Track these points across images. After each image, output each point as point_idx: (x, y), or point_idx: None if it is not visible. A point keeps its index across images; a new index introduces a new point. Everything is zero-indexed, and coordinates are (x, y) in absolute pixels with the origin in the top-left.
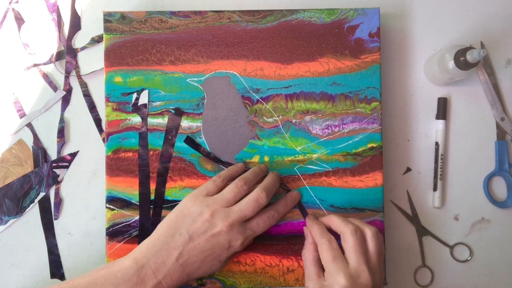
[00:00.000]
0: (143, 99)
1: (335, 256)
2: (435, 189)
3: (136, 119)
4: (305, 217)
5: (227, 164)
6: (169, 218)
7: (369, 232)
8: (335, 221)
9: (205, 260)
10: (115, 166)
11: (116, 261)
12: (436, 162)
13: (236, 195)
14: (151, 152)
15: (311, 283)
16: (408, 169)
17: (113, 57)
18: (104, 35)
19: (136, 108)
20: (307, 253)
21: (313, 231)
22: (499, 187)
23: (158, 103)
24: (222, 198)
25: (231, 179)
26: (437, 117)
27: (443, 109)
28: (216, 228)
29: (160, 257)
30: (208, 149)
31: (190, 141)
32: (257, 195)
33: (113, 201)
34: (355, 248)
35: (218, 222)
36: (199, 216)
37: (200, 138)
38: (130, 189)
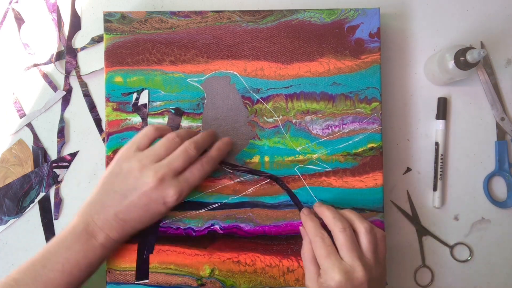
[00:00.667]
0: (143, 99)
1: (329, 253)
2: (435, 189)
3: (136, 119)
4: (300, 211)
5: (230, 166)
6: (104, 176)
7: (362, 228)
8: (326, 217)
9: (144, 215)
10: None
11: (65, 228)
12: (436, 162)
13: (168, 149)
14: None
15: (310, 282)
16: (408, 169)
17: (113, 57)
18: (104, 35)
19: (136, 108)
20: (306, 253)
21: (307, 228)
22: (499, 187)
23: (158, 103)
24: (153, 154)
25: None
26: (437, 117)
27: (443, 109)
28: (146, 185)
29: (102, 214)
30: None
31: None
32: (185, 146)
33: None
34: (346, 246)
35: (147, 179)
36: (128, 173)
37: None
38: None
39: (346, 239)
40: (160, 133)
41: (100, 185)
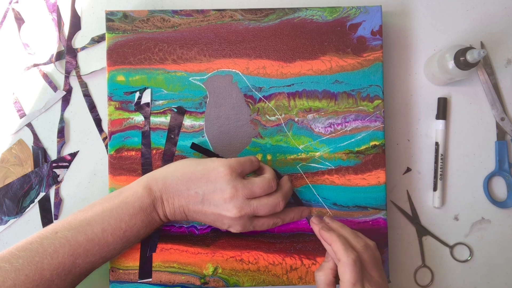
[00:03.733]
0: (146, 98)
1: (356, 280)
2: (435, 189)
3: (138, 118)
4: (309, 220)
5: None
6: (194, 170)
7: (359, 247)
8: (336, 247)
9: (204, 221)
10: (117, 165)
11: (126, 189)
12: (436, 162)
13: (263, 193)
14: (154, 151)
15: None
16: (408, 169)
17: (115, 56)
18: (106, 34)
19: (139, 107)
20: (323, 276)
21: (335, 246)
22: (499, 187)
23: (160, 102)
24: (250, 189)
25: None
26: (437, 117)
27: (443, 109)
28: (227, 212)
29: (171, 198)
30: (212, 149)
31: (196, 147)
32: (278, 202)
33: None
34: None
35: (231, 208)
36: (221, 191)
37: (202, 136)
38: None
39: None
40: (263, 167)
41: (184, 174)
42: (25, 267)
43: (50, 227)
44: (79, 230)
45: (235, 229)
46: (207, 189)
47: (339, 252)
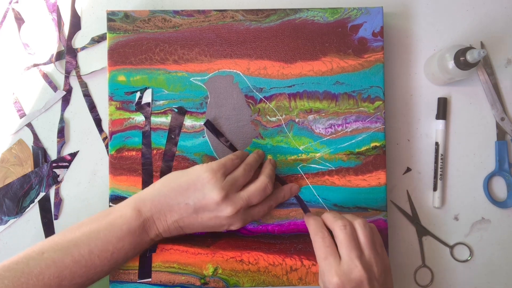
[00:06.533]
0: (147, 98)
1: (327, 254)
2: (435, 189)
3: (139, 118)
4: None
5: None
6: (179, 182)
7: (357, 224)
8: (327, 218)
9: (202, 229)
10: (118, 165)
11: (115, 210)
12: (436, 162)
13: (245, 180)
14: (154, 151)
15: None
16: (408, 169)
17: (116, 56)
18: (107, 34)
19: (140, 107)
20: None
21: (308, 227)
22: (499, 187)
23: (161, 102)
24: (235, 183)
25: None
26: (437, 117)
27: (443, 109)
28: (222, 212)
29: (163, 215)
30: (213, 150)
31: (210, 125)
32: (265, 184)
33: (116, 200)
34: (345, 243)
35: (226, 207)
36: (210, 196)
37: (203, 137)
38: (133, 188)
39: (346, 236)
40: (240, 161)
41: (171, 189)
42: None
43: (37, 246)
44: (65, 251)
45: (235, 226)
46: (196, 197)
47: (330, 221)
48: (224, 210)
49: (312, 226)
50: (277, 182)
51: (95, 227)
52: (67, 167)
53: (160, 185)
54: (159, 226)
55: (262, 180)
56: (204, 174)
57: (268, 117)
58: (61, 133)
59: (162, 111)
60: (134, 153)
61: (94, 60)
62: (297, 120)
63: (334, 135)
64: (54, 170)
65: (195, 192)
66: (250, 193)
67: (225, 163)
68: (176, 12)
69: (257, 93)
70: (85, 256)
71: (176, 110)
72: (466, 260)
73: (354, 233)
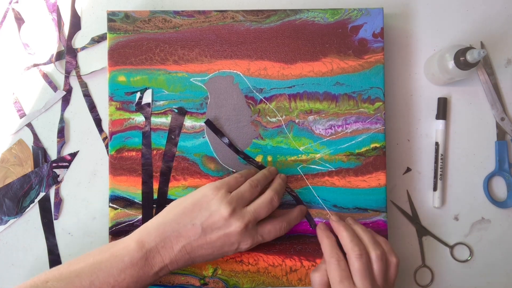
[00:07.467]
0: (147, 98)
1: (342, 278)
2: (435, 189)
3: (139, 118)
4: (314, 227)
5: (241, 154)
6: (184, 205)
7: (373, 255)
8: (343, 238)
9: (211, 254)
10: (118, 165)
11: (119, 242)
12: (436, 162)
13: (252, 196)
14: (154, 152)
15: None
16: (408, 169)
17: (116, 56)
18: (108, 34)
19: (140, 107)
20: (318, 276)
21: (322, 247)
22: (499, 187)
23: (161, 102)
24: (241, 197)
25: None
26: (437, 117)
27: (443, 109)
28: (231, 227)
29: (169, 242)
30: (213, 151)
31: (210, 124)
32: (271, 197)
33: (116, 200)
34: (360, 273)
35: (234, 222)
36: (217, 211)
37: (203, 137)
38: (133, 188)
39: (362, 266)
40: (245, 179)
41: (176, 213)
42: None
43: (42, 276)
44: (68, 281)
45: (245, 243)
46: (203, 216)
47: (346, 243)
48: (233, 224)
49: (328, 248)
50: (293, 200)
51: (99, 259)
52: (67, 167)
53: (165, 212)
54: (164, 257)
55: (268, 193)
56: (208, 192)
57: (268, 117)
58: (61, 133)
59: (162, 111)
60: (134, 153)
61: (94, 60)
62: (297, 120)
63: (334, 136)
64: (54, 170)
65: (201, 211)
66: (257, 207)
67: (229, 181)
68: (177, 13)
69: (257, 94)
70: (86, 287)
71: (176, 110)
72: (466, 260)
73: (369, 263)
